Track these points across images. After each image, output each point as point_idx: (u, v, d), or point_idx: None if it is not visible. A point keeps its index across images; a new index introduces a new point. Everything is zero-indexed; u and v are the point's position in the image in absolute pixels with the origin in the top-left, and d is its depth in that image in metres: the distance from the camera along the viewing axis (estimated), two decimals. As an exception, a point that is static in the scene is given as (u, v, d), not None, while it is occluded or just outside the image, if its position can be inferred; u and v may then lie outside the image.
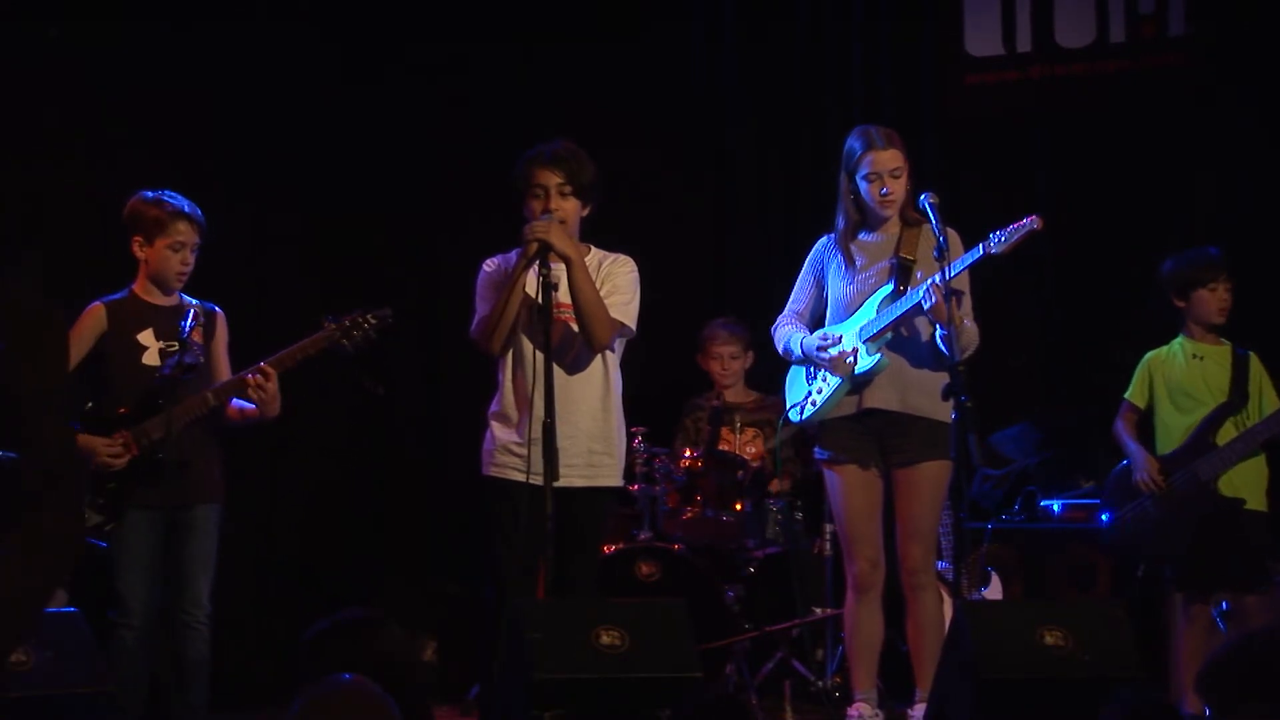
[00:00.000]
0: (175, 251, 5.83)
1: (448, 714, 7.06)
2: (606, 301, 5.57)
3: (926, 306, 5.77)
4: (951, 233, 6.03)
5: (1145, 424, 6.68)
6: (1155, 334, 6.72)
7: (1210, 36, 7.97)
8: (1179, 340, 6.61)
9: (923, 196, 5.92)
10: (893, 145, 6.05)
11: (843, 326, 6.07)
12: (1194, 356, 6.55)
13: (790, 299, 6.29)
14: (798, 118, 8.60)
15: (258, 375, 5.70)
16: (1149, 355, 6.67)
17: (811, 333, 6.16)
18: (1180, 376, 6.55)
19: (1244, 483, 6.42)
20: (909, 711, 6.03)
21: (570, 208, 5.60)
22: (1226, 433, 6.44)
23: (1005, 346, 6.62)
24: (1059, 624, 5.04)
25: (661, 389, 7.76)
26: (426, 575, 8.02)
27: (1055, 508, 7.66)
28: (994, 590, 7.32)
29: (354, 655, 3.52)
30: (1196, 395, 6.51)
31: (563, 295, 5.51)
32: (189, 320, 5.77)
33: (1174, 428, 6.54)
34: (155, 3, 7.83)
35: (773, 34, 8.69)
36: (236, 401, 5.85)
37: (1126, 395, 6.67)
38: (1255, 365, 6.51)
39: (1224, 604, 6.45)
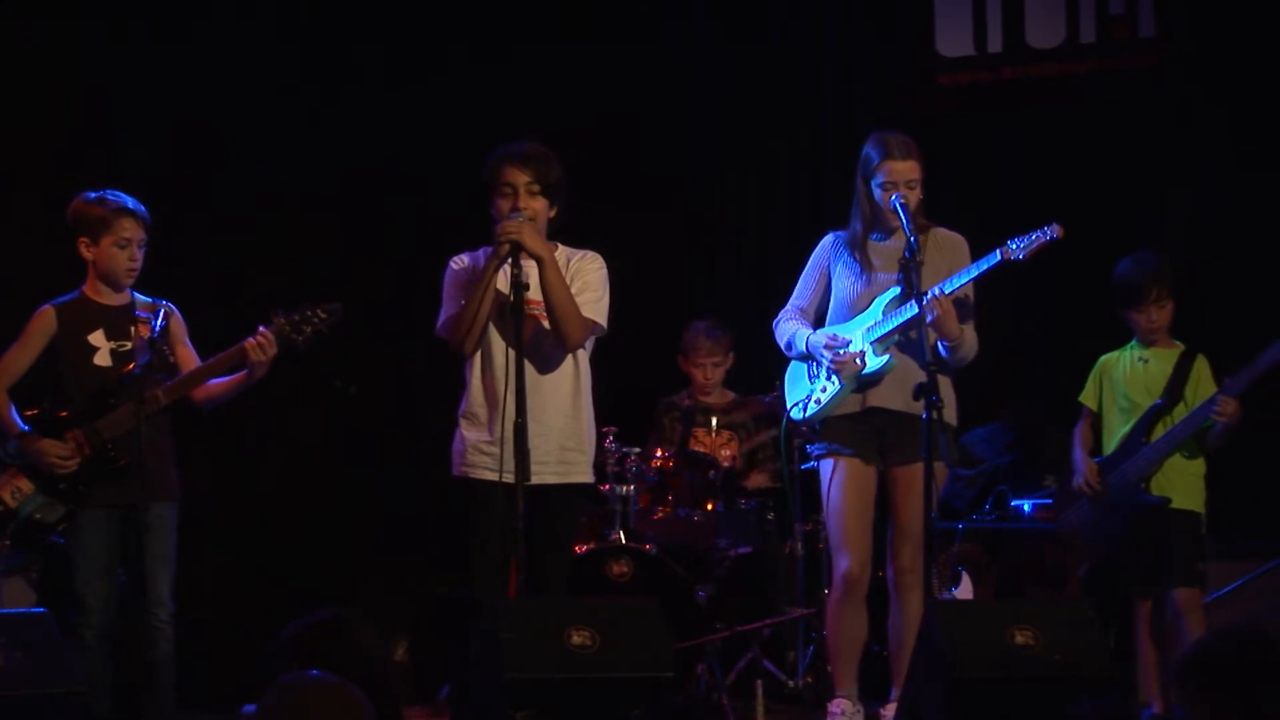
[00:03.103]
0: (122, 249, 5.83)
1: (419, 714, 7.04)
2: (577, 299, 5.57)
3: (929, 320, 5.79)
4: (956, 237, 6.09)
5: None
6: (1125, 338, 6.74)
7: (1180, 37, 8.00)
8: (1131, 343, 6.65)
9: (894, 197, 5.95)
10: (911, 156, 6.08)
11: (847, 326, 6.10)
12: (1139, 360, 6.58)
13: (793, 295, 6.30)
14: (772, 118, 8.60)
15: (260, 338, 5.69)
16: (1102, 358, 6.70)
17: (814, 330, 6.17)
18: (1124, 380, 6.58)
19: (1170, 482, 6.42)
20: (881, 711, 6.04)
21: (538, 207, 5.60)
22: (1157, 434, 6.46)
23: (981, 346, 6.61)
24: (1030, 624, 5.06)
25: (635, 387, 7.76)
26: (399, 575, 8.00)
27: (1026, 507, 7.67)
28: (965, 590, 7.34)
29: (325, 655, 3.51)
30: (1136, 399, 6.53)
31: (534, 293, 5.51)
32: (159, 320, 5.77)
33: (1117, 431, 6.58)
34: (131, 5, 7.83)
35: (746, 36, 8.70)
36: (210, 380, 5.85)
37: (1080, 398, 6.71)
38: (1199, 367, 6.50)
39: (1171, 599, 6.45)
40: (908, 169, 6.06)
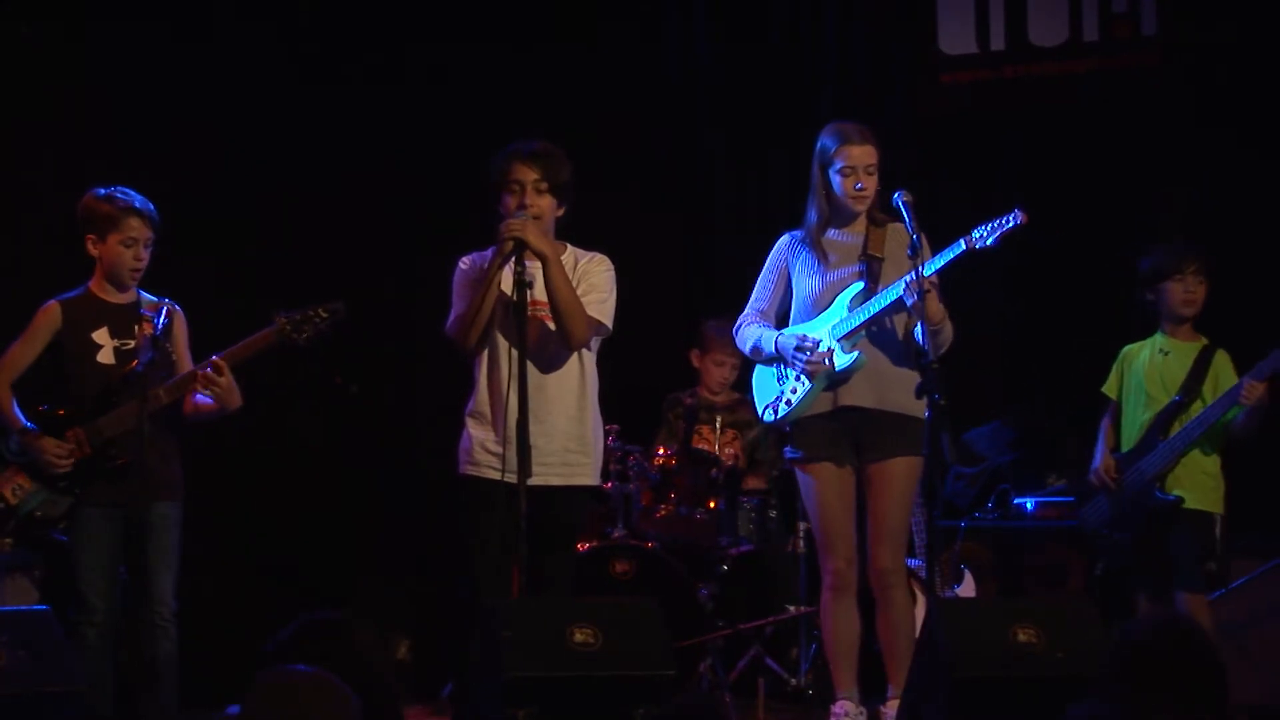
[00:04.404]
0: (128, 247, 5.82)
1: (421, 713, 7.05)
2: (583, 300, 5.57)
3: (909, 303, 5.75)
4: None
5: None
6: (1135, 331, 6.72)
7: (1182, 36, 8.00)
8: (1156, 335, 6.59)
9: (896, 195, 5.92)
10: (868, 142, 6.05)
11: (812, 325, 6.05)
12: (1161, 351, 6.52)
13: (752, 298, 6.26)
14: (772, 118, 8.60)
15: (208, 370, 5.69)
16: (1125, 348, 6.64)
17: (779, 331, 6.15)
18: (1142, 372, 6.54)
19: (1183, 482, 6.37)
20: (882, 709, 6.03)
21: (545, 205, 5.60)
22: (1174, 431, 6.42)
23: (977, 345, 6.62)
24: (1032, 622, 5.05)
25: (636, 387, 7.75)
26: (401, 574, 8.01)
27: (1028, 505, 7.67)
28: (967, 588, 7.33)
29: (324, 656, 3.51)
30: (1152, 392, 6.49)
31: (538, 293, 5.50)
32: (161, 317, 5.76)
33: (1135, 424, 6.53)
34: (132, 5, 7.84)
35: (746, 36, 8.70)
36: (197, 396, 5.83)
37: (1103, 389, 6.67)
38: (1219, 362, 6.44)
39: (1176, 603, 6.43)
40: (866, 154, 6.04)
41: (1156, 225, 7.78)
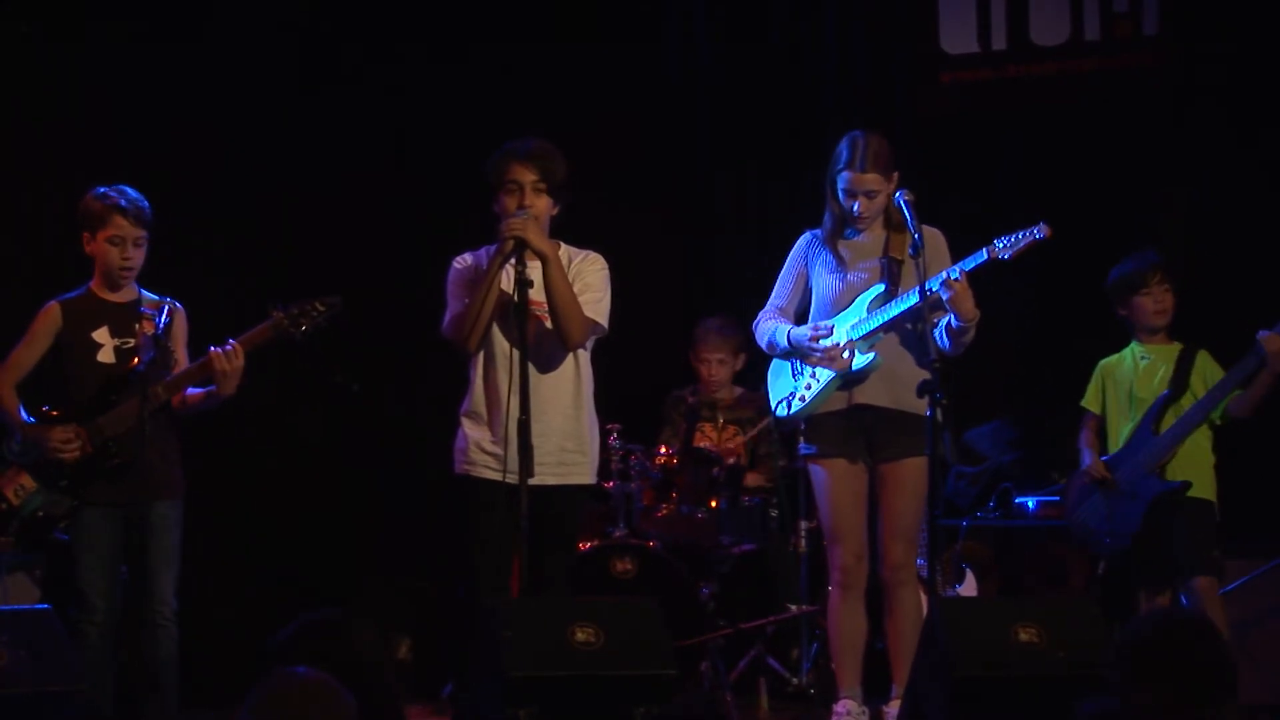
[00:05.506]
0: (115, 245, 5.82)
1: (422, 712, 7.05)
2: (579, 299, 5.57)
3: (946, 297, 5.76)
4: (935, 232, 6.05)
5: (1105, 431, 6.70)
6: (1123, 337, 6.74)
7: (1184, 36, 8.00)
8: (1131, 346, 6.63)
9: (898, 194, 5.93)
10: (875, 169, 6.01)
11: (832, 323, 6.07)
12: (1142, 359, 6.57)
13: (772, 295, 6.27)
14: (772, 118, 8.60)
15: (227, 349, 5.68)
16: (1102, 362, 6.69)
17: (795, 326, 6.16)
18: (1128, 381, 6.57)
19: (1184, 468, 6.39)
20: (885, 708, 6.03)
21: (542, 205, 5.61)
22: (1167, 423, 6.44)
23: (977, 344, 6.61)
24: (1033, 621, 5.06)
25: (635, 386, 7.76)
26: (402, 573, 8.00)
27: (1030, 505, 7.67)
28: (969, 587, 7.33)
29: (323, 656, 3.51)
30: (1142, 395, 6.52)
31: (535, 293, 5.50)
32: (163, 316, 5.76)
33: (1123, 432, 6.55)
34: (132, 5, 7.84)
35: (746, 36, 8.70)
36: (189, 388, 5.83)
37: (1083, 403, 6.69)
38: (1202, 359, 6.49)
39: (1182, 598, 6.42)
40: (867, 181, 6.01)
41: (1156, 225, 7.79)
